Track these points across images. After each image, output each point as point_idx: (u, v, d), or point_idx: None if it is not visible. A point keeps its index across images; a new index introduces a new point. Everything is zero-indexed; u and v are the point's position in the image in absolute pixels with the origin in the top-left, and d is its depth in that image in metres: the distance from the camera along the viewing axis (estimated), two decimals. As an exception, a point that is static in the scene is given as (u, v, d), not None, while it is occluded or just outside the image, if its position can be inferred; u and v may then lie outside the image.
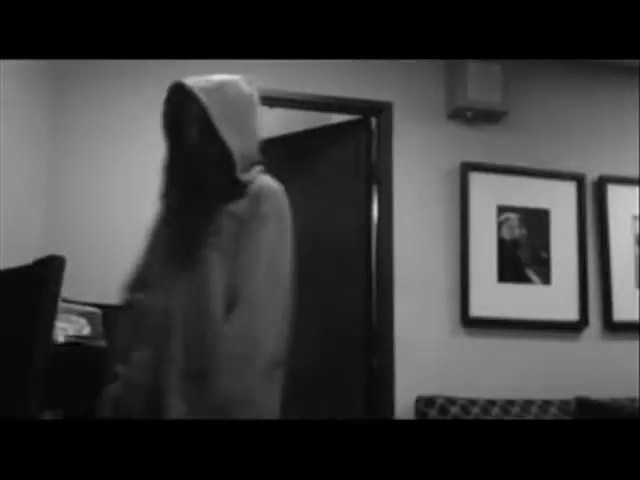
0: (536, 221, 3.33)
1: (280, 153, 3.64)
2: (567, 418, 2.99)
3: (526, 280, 3.28)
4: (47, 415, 1.87)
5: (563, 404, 3.05)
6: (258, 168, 1.72)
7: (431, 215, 3.26)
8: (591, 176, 3.48)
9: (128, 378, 1.65)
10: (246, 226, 1.66)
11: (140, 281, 1.76)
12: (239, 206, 1.68)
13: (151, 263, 1.77)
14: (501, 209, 3.31)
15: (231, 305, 1.60)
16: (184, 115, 1.67)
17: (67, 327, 2.07)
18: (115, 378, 1.67)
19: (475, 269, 3.22)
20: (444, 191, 3.29)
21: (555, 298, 3.29)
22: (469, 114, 3.31)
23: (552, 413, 2.99)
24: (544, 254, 3.32)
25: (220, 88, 1.67)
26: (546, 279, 3.30)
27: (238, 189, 1.68)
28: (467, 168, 3.28)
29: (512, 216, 3.31)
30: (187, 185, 1.76)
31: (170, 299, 1.64)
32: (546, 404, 3.03)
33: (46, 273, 1.43)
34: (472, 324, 3.19)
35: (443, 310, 3.20)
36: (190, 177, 1.75)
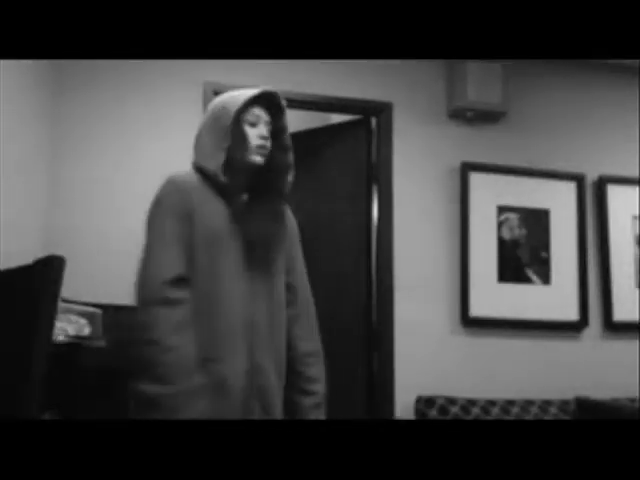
0: (536, 221, 3.33)
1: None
2: (567, 418, 2.99)
3: (526, 280, 3.28)
4: (47, 415, 1.87)
5: (563, 404, 3.05)
6: None
7: (431, 215, 3.26)
8: (591, 176, 3.48)
9: (230, 387, 1.57)
10: (290, 240, 1.82)
11: (181, 276, 1.59)
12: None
13: (204, 258, 1.62)
14: (501, 209, 3.31)
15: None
16: (260, 120, 1.73)
17: (67, 327, 2.07)
18: (199, 390, 1.51)
19: (475, 269, 3.22)
20: (444, 191, 3.29)
21: (555, 298, 3.29)
22: (469, 114, 3.31)
23: (552, 413, 2.99)
24: (544, 254, 3.32)
25: None
26: (546, 279, 3.30)
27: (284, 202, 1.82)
28: (467, 168, 3.28)
29: (512, 216, 3.31)
30: (249, 186, 1.76)
31: (255, 306, 1.66)
32: (546, 404, 3.04)
33: (46, 273, 1.43)
34: (472, 324, 3.19)
35: (443, 310, 3.20)
36: (253, 179, 1.77)
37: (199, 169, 1.71)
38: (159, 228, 1.62)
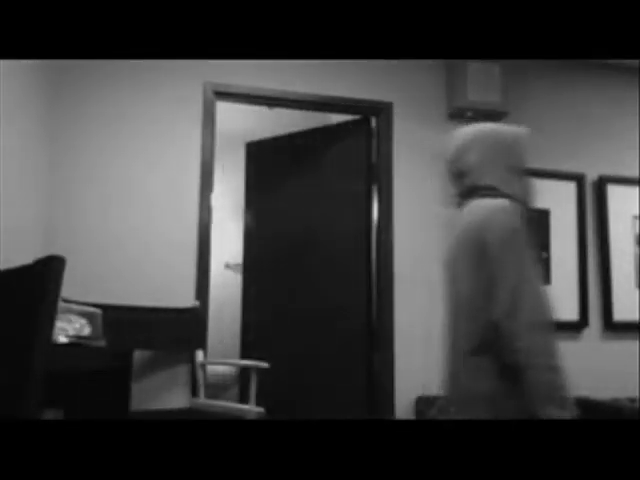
0: (536, 221, 3.33)
1: (281, 153, 3.64)
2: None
3: (526, 280, 3.27)
4: (47, 415, 1.87)
5: (563, 404, 3.05)
6: None
7: (431, 215, 3.26)
8: (591, 176, 3.48)
9: None
10: None
11: None
12: None
13: None
14: (501, 209, 3.31)
15: None
16: None
17: (67, 327, 2.07)
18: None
19: (475, 269, 3.21)
20: (444, 191, 3.29)
21: (555, 298, 3.29)
22: (469, 114, 3.31)
23: (552, 413, 2.99)
24: (544, 254, 3.32)
25: None
26: (546, 279, 3.30)
27: None
28: (467, 168, 3.28)
29: (512, 216, 3.31)
30: None
31: None
32: (546, 404, 3.03)
33: (46, 273, 1.43)
34: (472, 324, 3.19)
35: (443, 310, 3.19)
36: None
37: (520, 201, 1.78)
38: (529, 259, 1.70)
